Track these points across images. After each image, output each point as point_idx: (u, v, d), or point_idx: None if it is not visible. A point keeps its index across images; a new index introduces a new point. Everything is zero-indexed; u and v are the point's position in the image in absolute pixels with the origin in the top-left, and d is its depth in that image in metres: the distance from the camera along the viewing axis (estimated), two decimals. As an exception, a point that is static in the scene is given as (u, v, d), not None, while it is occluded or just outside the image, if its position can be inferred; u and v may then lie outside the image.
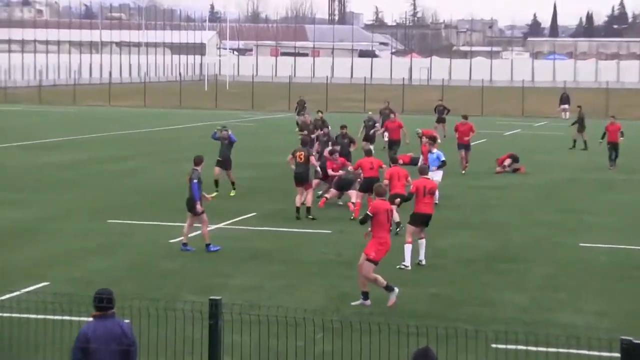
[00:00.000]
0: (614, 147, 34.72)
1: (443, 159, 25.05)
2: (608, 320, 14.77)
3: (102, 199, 26.14)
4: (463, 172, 31.59)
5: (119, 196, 26.47)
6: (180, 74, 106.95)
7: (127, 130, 49.58)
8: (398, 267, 17.91)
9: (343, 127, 29.76)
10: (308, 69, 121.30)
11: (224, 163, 26.92)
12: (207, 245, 19.46)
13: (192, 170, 19.73)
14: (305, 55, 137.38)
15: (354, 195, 23.99)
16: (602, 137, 35.19)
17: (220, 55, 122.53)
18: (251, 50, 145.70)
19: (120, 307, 12.34)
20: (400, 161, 25.08)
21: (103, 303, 8.91)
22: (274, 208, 25.22)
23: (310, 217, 23.28)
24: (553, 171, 33.88)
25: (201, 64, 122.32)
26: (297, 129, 34.72)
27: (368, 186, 22.66)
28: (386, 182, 21.05)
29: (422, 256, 18.45)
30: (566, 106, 61.75)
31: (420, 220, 18.50)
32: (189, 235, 19.70)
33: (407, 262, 18.12)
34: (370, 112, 35.91)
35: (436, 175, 24.15)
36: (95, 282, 16.78)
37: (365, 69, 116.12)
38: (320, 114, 34.45)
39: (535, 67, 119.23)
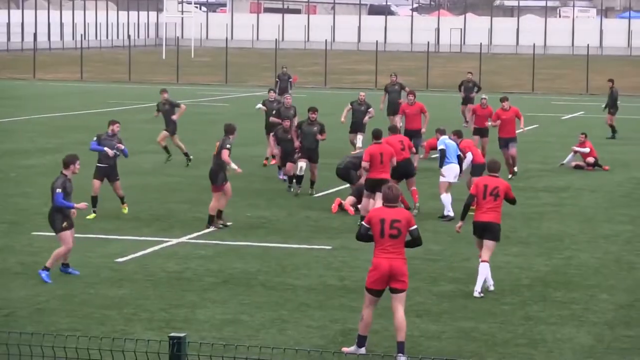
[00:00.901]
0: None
1: (441, 147, 25.36)
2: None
3: (22, 205, 26.21)
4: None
5: (44, 201, 26.53)
6: (129, 36, 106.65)
7: (55, 113, 49.60)
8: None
9: (312, 110, 29.14)
10: (301, 31, 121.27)
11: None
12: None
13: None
14: (297, 12, 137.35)
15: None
16: None
17: (182, 12, 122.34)
18: (224, 5, 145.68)
19: (52, 347, 12.49)
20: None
21: None
22: (254, 216, 25.33)
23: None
24: (629, 168, 33.93)
25: (157, 24, 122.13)
26: (259, 106, 33.82)
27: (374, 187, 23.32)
28: (365, 164, 23.22)
29: (488, 281, 18.63)
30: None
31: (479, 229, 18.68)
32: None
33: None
34: (362, 93, 34.86)
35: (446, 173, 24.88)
36: (16, 314, 16.91)
37: (377, 30, 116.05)
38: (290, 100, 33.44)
39: (604, 28, 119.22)
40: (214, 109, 54.17)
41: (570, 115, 52.02)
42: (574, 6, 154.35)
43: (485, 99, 33.61)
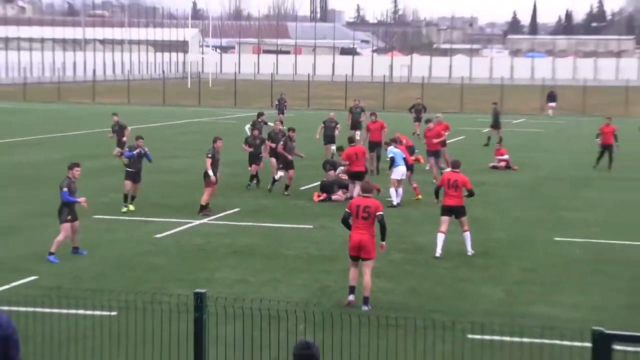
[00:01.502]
0: (607, 148, 34.04)
1: (390, 155, 25.79)
2: (581, 312, 14.98)
3: (86, 195, 26.22)
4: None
5: (102, 192, 26.54)
6: (163, 71, 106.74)
7: (110, 128, 49.43)
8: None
9: (292, 130, 27.64)
10: (290, 67, 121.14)
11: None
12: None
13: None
14: (287, 53, 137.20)
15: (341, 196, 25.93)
16: (597, 137, 34.52)
17: (203, 53, 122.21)
18: (234, 48, 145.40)
19: (107, 299, 12.59)
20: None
21: None
22: (256, 204, 25.39)
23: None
24: (532, 169, 34.06)
25: (184, 62, 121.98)
26: (249, 126, 32.29)
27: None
28: (345, 162, 24.64)
29: (468, 247, 19.14)
30: (553, 104, 61.92)
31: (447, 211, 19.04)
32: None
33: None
34: (331, 113, 34.49)
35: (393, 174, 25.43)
36: (82, 276, 16.96)
37: (346, 66, 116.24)
38: (279, 125, 30.45)
39: (514, 64, 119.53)
40: (226, 125, 54.17)
41: (487, 129, 51.98)
42: (492, 48, 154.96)
43: (439, 116, 33.32)
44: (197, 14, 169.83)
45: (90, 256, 18.55)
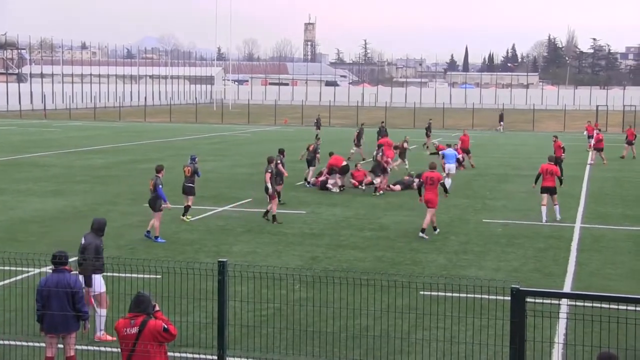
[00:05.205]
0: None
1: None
2: (502, 274, 14.91)
3: (139, 190, 26.05)
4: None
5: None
6: (195, 98, 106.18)
7: (158, 140, 49.24)
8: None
9: (281, 151, 23.99)
10: (289, 95, 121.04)
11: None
12: (156, 238, 17.37)
13: (155, 177, 17.68)
14: (287, 84, 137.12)
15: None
16: (563, 152, 31.70)
17: (225, 85, 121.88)
18: (247, 81, 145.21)
19: (154, 266, 12.41)
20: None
21: (57, 260, 8.96)
22: (264, 195, 25.19)
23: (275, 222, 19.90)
24: (466, 168, 33.92)
25: (211, 91, 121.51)
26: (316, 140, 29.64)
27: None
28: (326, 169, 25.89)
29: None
30: (502, 123, 61.95)
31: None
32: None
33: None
34: (311, 146, 28.31)
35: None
36: (137, 248, 16.77)
37: (330, 95, 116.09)
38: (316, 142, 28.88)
39: (452, 93, 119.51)
40: (241, 138, 53.99)
41: (435, 140, 51.93)
42: (435, 81, 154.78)
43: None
44: (220, 56, 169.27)
45: (141, 234, 18.28)
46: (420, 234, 18.31)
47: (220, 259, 8.38)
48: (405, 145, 33.04)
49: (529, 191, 26.78)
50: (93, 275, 10.82)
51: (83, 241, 11.13)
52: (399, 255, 16.48)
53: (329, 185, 26.24)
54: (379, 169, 25.88)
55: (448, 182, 26.16)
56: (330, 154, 27.97)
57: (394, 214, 21.91)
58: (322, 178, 26.76)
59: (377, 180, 25.74)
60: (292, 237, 18.37)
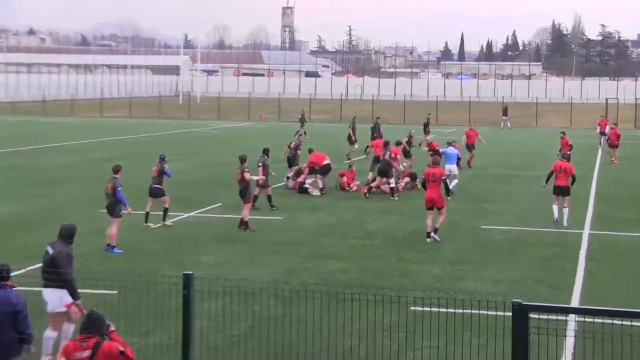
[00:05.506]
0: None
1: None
2: (502, 286, 14.91)
3: (95, 193, 25.83)
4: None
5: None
6: (159, 91, 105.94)
7: (116, 137, 49.01)
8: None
9: (266, 151, 23.35)
10: (264, 87, 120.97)
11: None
12: (112, 248, 17.23)
13: (113, 179, 17.69)
14: (262, 75, 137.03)
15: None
16: (560, 150, 32.40)
17: (192, 76, 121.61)
18: (217, 71, 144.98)
19: (110, 280, 12.28)
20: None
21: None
22: (236, 199, 25.07)
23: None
24: (461, 169, 33.97)
25: (177, 83, 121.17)
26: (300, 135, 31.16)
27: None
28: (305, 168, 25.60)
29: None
30: (505, 117, 62.14)
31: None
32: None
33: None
34: (300, 134, 30.63)
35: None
36: (90, 260, 16.60)
37: (310, 86, 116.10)
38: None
39: (446, 85, 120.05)
40: (210, 135, 53.87)
41: (428, 137, 52.07)
42: (428, 72, 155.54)
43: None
44: (187, 44, 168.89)
45: (97, 243, 18.13)
46: (428, 238, 18.62)
47: (185, 272, 8.29)
48: (411, 140, 33.18)
49: (531, 193, 26.86)
50: (58, 290, 10.52)
51: (51, 251, 10.78)
52: (387, 266, 16.45)
53: (307, 186, 26.18)
54: (390, 169, 25.89)
55: (454, 183, 26.25)
56: (310, 151, 27.90)
57: (382, 219, 21.89)
58: (300, 179, 26.72)
59: (392, 182, 25.74)
60: (268, 246, 18.28)
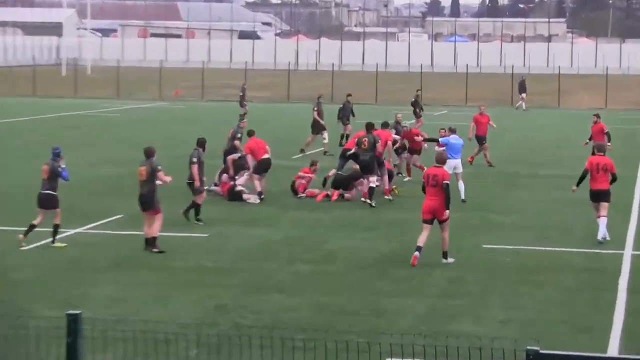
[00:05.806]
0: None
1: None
2: (512, 328, 15.01)
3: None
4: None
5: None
6: (33, 57, 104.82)
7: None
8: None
9: (201, 143, 23.69)
10: (182, 52, 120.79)
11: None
12: None
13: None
14: (179, 36, 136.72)
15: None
16: (589, 139, 32.95)
17: (80, 37, 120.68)
18: (116, 31, 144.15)
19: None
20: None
21: None
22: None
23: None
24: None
25: (58, 47, 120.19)
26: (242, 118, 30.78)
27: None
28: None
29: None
30: (524, 95, 62.68)
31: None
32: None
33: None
34: (243, 118, 30.67)
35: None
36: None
37: (246, 52, 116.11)
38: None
39: (434, 50, 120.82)
40: (107, 119, 53.57)
41: (408, 122, 52.33)
42: (409, 32, 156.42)
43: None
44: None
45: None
46: (444, 260, 19.12)
47: (70, 311, 8.22)
48: (398, 128, 32.76)
49: (552, 199, 27.12)
50: None
51: None
52: (354, 301, 16.47)
53: (240, 188, 26.08)
54: (373, 163, 25.91)
55: (463, 189, 26.31)
56: (250, 134, 27.44)
57: (347, 236, 21.96)
58: (225, 179, 26.72)
59: (373, 180, 25.62)
60: (186, 274, 18.23)
